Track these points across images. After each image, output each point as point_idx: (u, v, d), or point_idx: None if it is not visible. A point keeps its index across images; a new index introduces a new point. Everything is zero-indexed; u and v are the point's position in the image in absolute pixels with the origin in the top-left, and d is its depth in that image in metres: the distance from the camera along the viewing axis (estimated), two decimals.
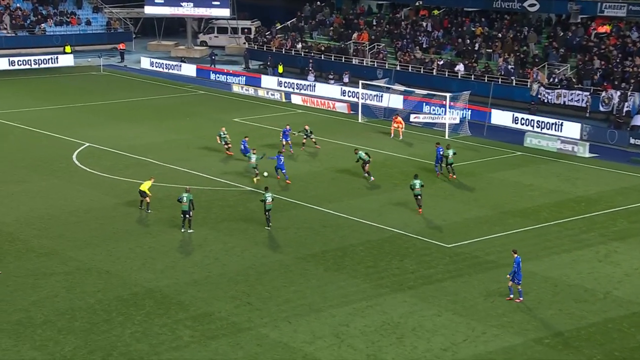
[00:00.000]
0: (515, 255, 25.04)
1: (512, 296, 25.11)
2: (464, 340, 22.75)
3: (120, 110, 52.46)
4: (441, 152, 37.87)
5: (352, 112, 51.92)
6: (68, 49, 70.85)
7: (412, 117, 48.86)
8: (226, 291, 25.60)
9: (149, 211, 32.41)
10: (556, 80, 51.66)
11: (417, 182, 32.89)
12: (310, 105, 54.38)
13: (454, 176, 37.64)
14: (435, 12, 64.49)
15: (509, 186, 37.13)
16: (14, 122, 48.20)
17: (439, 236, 30.52)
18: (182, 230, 30.52)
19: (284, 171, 36.62)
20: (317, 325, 23.43)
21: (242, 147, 39.11)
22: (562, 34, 55.84)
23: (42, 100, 55.13)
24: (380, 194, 35.56)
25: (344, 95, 56.18)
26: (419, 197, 32.87)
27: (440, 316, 24.14)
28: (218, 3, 71.89)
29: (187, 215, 30.36)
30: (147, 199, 32.42)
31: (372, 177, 37.06)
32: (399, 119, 46.22)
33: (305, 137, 42.68)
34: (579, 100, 50.00)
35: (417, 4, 64.84)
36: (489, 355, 21.98)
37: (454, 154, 37.65)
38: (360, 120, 49.97)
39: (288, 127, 42.28)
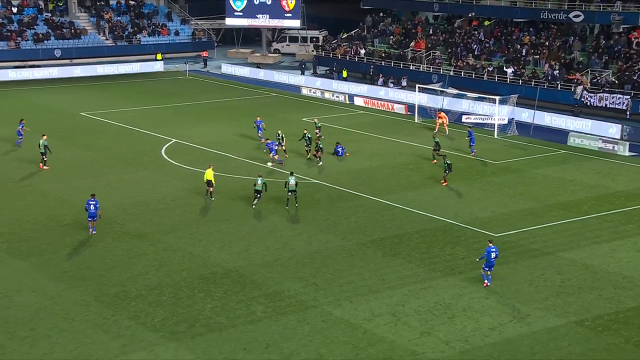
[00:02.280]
0: (490, 245, 24.62)
1: (487, 282, 24.55)
2: (510, 321, 22.41)
3: (203, 111, 53.20)
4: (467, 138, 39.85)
5: (409, 113, 51.55)
6: (159, 56, 72.24)
7: (464, 118, 48.25)
8: (294, 272, 25.76)
9: (212, 199, 32.77)
10: (598, 82, 50.28)
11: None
12: (371, 107, 54.20)
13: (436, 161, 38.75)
14: (487, 22, 63.58)
15: (553, 181, 36.33)
16: (111, 120, 49.46)
17: (487, 226, 30.07)
18: (254, 207, 31.23)
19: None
20: (376, 304, 23.40)
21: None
22: (604, 42, 54.35)
23: (136, 102, 56.36)
24: (433, 188, 35.23)
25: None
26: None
27: (488, 299, 23.81)
28: (290, 15, 72.25)
29: (259, 195, 31.30)
30: (211, 188, 32.80)
31: (320, 162, 38.17)
32: (442, 114, 46.13)
33: (317, 133, 42.05)
34: (619, 103, 48.67)
35: (470, 15, 64.05)
36: (534, 335, 21.61)
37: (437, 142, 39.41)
38: (416, 120, 49.58)
39: (258, 118, 43.70)
